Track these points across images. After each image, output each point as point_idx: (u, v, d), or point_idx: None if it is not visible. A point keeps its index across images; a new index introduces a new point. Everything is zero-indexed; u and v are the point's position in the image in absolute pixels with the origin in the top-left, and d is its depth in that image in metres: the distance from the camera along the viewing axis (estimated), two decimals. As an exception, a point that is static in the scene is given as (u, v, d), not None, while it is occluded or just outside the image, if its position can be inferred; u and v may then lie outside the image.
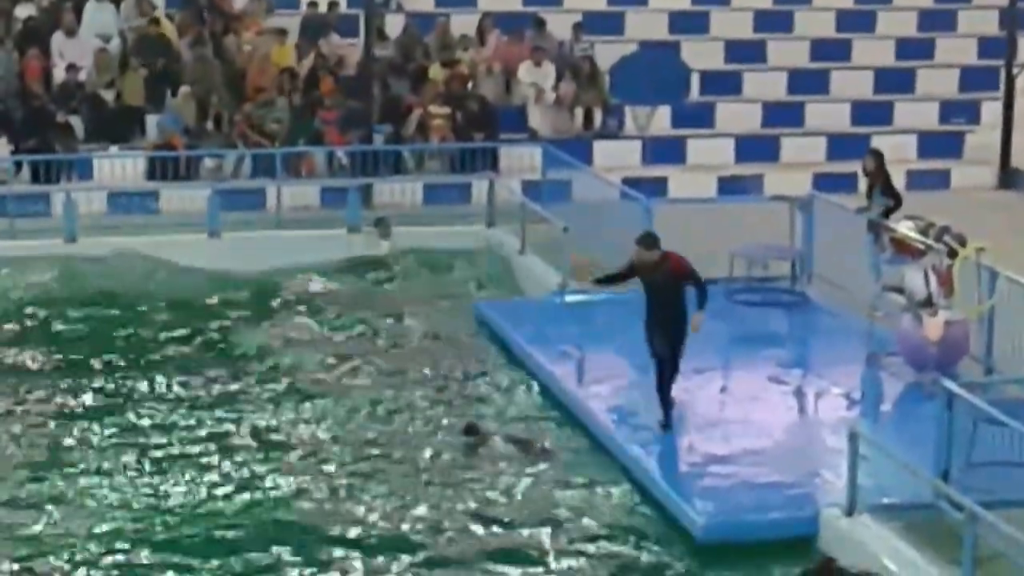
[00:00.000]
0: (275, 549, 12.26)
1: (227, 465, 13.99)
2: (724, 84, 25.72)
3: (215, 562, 12.03)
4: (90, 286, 19.47)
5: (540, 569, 12.04)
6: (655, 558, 12.30)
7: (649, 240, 14.16)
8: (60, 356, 17.08)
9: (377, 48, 23.69)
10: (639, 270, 14.11)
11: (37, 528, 12.65)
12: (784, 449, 13.88)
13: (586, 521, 12.89)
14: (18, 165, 22.15)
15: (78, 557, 12.11)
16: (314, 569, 11.97)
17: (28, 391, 15.92)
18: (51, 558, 12.07)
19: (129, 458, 14.16)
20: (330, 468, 13.93)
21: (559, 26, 25.67)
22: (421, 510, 12.97)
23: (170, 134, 22.73)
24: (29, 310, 18.71)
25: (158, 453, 14.30)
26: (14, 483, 13.56)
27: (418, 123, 23.44)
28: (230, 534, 12.57)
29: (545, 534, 12.59)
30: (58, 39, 23.88)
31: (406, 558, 12.15)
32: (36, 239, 20.44)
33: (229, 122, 23.28)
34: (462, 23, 25.71)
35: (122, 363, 16.86)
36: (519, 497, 13.35)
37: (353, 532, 12.60)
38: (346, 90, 23.73)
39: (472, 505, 13.11)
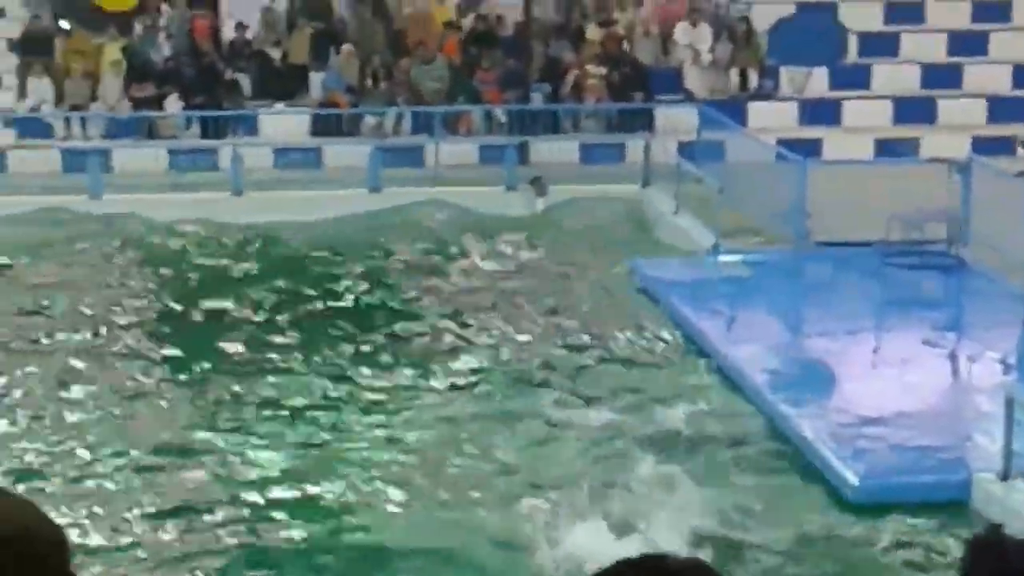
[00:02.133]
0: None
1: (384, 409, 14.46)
2: (882, 45, 25.59)
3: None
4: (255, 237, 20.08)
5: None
6: (805, 518, 12.42)
7: None
8: (227, 303, 17.65)
9: (536, 8, 23.96)
10: None
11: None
12: (938, 412, 13.95)
13: (735, 480, 13.09)
14: (188, 121, 22.83)
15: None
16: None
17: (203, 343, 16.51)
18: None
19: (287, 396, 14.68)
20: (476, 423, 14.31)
21: (716, -13, 25.74)
22: (567, 457, 13.26)
23: (333, 92, 23.24)
24: (197, 260, 19.34)
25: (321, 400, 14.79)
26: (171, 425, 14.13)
27: (575, 83, 23.70)
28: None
29: (693, 490, 12.68)
30: (227, -2, 24.55)
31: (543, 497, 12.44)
32: (204, 192, 21.06)
33: (389, 80, 23.72)
34: (620, -17, 25.88)
35: (284, 312, 17.40)
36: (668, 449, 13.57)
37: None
38: (505, 50, 24.06)
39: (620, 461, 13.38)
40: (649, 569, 2.41)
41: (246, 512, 12.38)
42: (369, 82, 23.74)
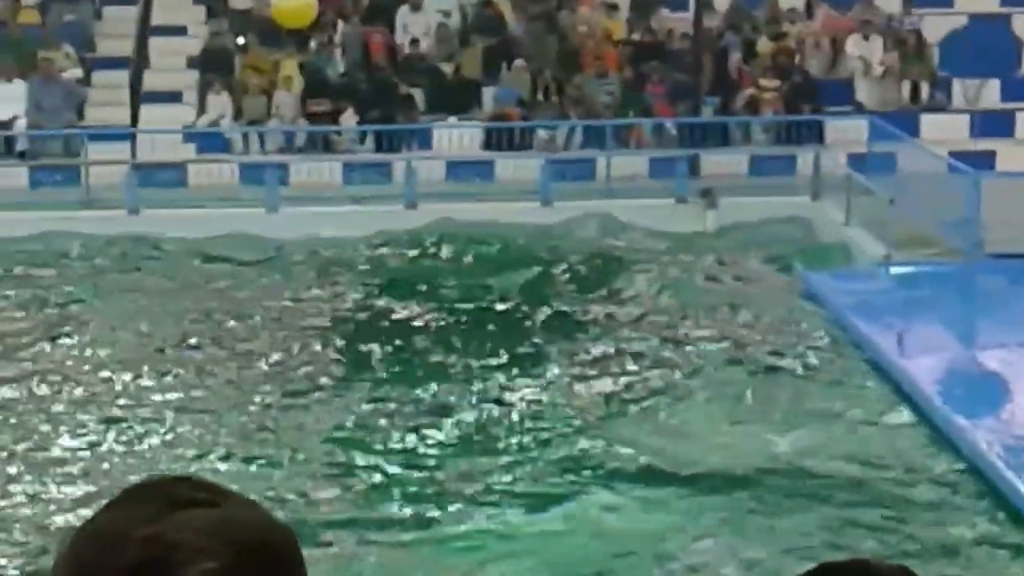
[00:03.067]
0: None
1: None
2: (1056, 56, 25.31)
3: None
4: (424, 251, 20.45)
5: (853, 542, 12.23)
6: (982, 535, 12.37)
7: None
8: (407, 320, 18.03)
9: (706, 21, 24.07)
10: None
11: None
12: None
13: (910, 494, 13.08)
14: (363, 135, 23.30)
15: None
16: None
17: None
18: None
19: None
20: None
21: (888, -1, 25.66)
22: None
23: (505, 106, 23.58)
24: (370, 271, 19.75)
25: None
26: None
27: (748, 96, 23.77)
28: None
29: (866, 508, 12.79)
30: (403, 13, 24.95)
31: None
32: (378, 205, 21.45)
33: (560, 94, 23.99)
34: (791, -4, 25.90)
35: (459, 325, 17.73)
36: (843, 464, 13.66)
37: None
38: (675, 63, 24.22)
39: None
40: (854, 573, 2.32)
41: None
42: (541, 96, 24.03)
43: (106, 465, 13.71)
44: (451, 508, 12.88)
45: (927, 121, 23.97)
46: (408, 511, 12.81)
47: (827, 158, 21.84)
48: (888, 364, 15.74)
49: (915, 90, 24.55)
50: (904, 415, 14.69)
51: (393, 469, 13.68)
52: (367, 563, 11.92)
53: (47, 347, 16.73)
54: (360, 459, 13.88)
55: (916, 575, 2.23)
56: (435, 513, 12.77)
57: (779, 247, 20.37)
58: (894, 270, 18.31)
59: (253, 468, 13.64)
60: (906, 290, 17.65)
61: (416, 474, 13.59)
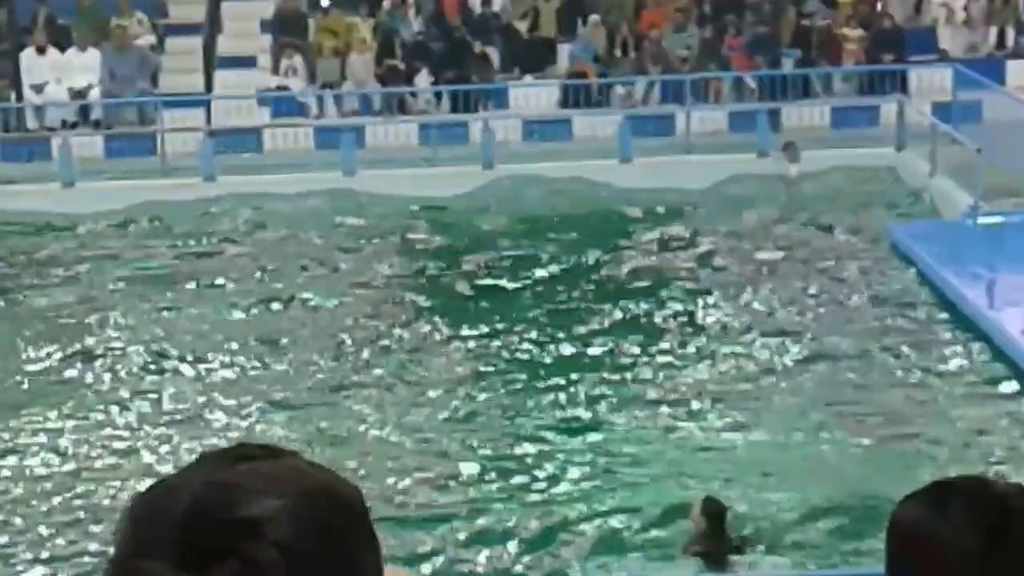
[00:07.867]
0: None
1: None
2: None
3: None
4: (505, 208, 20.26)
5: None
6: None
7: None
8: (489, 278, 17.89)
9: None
10: None
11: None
12: None
13: (995, 441, 12.96)
14: (438, 95, 23.11)
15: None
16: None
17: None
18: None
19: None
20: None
21: (972, -57, 25.13)
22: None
23: (582, 63, 23.31)
24: (450, 232, 19.61)
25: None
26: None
27: (832, 45, 23.39)
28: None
29: (949, 451, 12.68)
30: (475, -28, 24.76)
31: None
32: (456, 166, 21.27)
33: (637, 49, 23.70)
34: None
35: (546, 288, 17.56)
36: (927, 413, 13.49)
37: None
38: (754, 15, 23.87)
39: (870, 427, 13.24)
40: (969, 491, 2.35)
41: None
42: (618, 52, 23.75)
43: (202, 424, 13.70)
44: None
45: (1014, 67, 23.53)
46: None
47: (911, 108, 21.46)
48: (977, 316, 15.45)
49: (1001, 36, 24.12)
50: (994, 368, 14.45)
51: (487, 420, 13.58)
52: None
53: (125, 316, 16.71)
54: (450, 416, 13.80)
55: None
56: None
57: (863, 200, 20.06)
58: (982, 220, 17.95)
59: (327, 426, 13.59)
60: (994, 241, 17.30)
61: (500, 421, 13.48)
